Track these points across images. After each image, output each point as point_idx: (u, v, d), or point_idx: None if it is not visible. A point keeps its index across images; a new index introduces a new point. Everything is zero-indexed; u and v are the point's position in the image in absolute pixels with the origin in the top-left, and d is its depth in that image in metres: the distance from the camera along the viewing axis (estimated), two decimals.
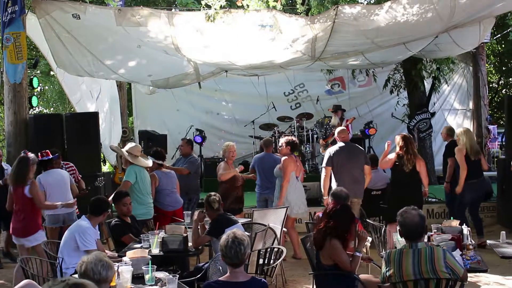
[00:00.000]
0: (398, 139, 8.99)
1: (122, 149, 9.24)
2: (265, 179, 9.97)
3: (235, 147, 9.87)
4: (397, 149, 8.97)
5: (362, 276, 6.04)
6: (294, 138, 9.76)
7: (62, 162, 9.43)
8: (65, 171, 9.14)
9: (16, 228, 7.87)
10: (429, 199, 11.74)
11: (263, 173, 9.99)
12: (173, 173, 9.51)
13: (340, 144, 9.37)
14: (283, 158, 9.44)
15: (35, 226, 7.83)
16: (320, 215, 6.86)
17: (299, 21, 9.73)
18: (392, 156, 9.02)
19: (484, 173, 9.84)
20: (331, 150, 9.42)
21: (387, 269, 4.98)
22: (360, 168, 9.27)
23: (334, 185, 9.11)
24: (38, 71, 18.16)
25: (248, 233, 7.34)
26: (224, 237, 4.44)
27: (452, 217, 7.42)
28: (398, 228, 5.17)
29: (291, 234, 9.52)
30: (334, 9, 9.20)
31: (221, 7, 9.54)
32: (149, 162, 9.13)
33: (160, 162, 9.34)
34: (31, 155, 8.16)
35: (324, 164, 9.42)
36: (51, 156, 8.83)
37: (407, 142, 8.88)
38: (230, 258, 4.35)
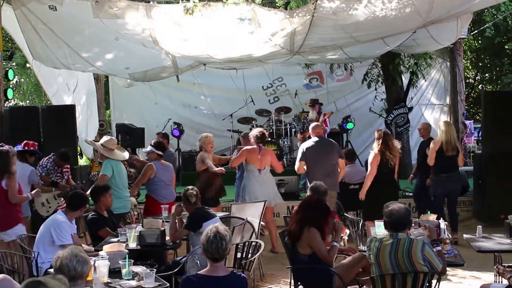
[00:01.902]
0: (378, 133, 9.08)
1: (97, 143, 9.18)
2: None
3: (212, 138, 9.82)
4: (377, 146, 9.01)
5: (338, 266, 6.08)
6: (260, 129, 9.72)
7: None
8: (31, 167, 8.98)
9: None
10: (406, 194, 11.83)
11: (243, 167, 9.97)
12: (171, 166, 9.41)
13: (314, 139, 9.44)
14: (244, 148, 9.55)
15: (14, 219, 7.64)
16: None
17: (278, 14, 9.72)
18: (375, 152, 9.05)
19: (461, 168, 9.94)
20: (304, 145, 9.54)
21: (369, 254, 5.07)
22: (333, 162, 9.34)
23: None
24: (14, 63, 17.96)
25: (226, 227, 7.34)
26: (206, 231, 4.41)
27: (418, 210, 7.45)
28: (383, 219, 5.22)
29: (270, 227, 9.54)
30: (313, 3, 9.19)
31: (199, 0, 9.49)
32: (125, 154, 9.08)
33: (160, 153, 9.24)
34: (7, 146, 8.01)
35: (298, 159, 9.54)
36: (34, 149, 8.85)
37: (387, 138, 8.96)
38: (211, 253, 4.33)
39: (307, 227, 5.70)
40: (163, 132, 10.91)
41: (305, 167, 9.38)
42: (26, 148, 8.93)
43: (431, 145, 9.63)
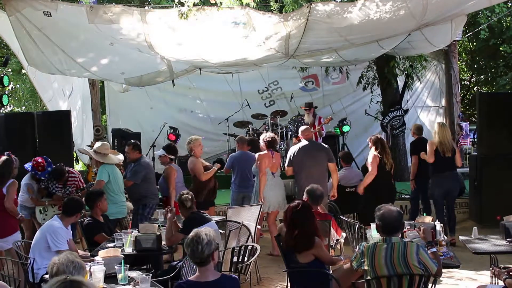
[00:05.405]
0: (373, 139, 9.18)
1: (90, 150, 9.18)
2: (242, 177, 9.98)
3: (201, 141, 9.80)
4: (373, 150, 9.12)
5: (336, 270, 6.06)
6: (270, 135, 9.76)
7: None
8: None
9: None
10: (402, 196, 11.84)
11: (240, 171, 9.99)
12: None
13: (303, 143, 9.51)
14: (257, 154, 9.49)
15: (13, 226, 7.65)
16: None
17: (272, 18, 9.71)
18: (373, 157, 9.14)
19: (457, 169, 9.97)
20: (292, 150, 9.65)
21: (363, 260, 5.01)
22: (320, 166, 9.36)
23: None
24: (9, 69, 17.95)
25: (222, 231, 7.35)
26: (188, 236, 4.43)
27: (420, 213, 7.48)
28: (375, 222, 5.19)
29: (271, 230, 9.53)
30: (307, 7, 9.19)
31: (194, 4, 9.48)
32: (120, 157, 9.08)
33: (172, 157, 9.32)
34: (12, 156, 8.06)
35: (286, 164, 9.73)
36: (42, 172, 8.87)
37: (383, 142, 9.06)
38: (191, 257, 4.36)
39: (315, 238, 5.68)
40: (133, 142, 9.69)
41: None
42: (35, 170, 8.99)
43: (428, 146, 9.67)
